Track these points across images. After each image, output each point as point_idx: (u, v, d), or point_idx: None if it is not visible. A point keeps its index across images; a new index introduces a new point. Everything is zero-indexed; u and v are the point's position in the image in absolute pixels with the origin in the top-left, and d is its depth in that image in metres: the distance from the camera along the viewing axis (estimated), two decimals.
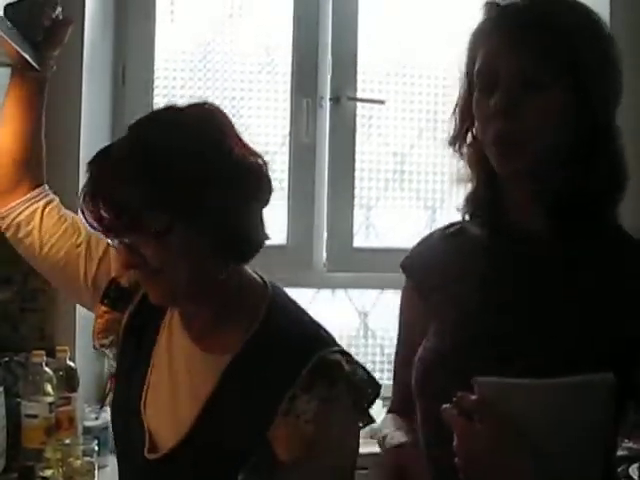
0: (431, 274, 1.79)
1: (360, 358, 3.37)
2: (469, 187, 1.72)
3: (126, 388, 1.80)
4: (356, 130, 3.45)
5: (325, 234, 3.47)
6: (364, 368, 1.71)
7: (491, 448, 1.42)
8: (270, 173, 1.70)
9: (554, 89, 1.57)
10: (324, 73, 3.42)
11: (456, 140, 1.72)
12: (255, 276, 1.78)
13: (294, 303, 1.81)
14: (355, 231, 3.43)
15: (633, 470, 2.66)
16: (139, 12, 3.39)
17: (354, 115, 3.44)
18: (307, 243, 3.48)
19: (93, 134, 3.16)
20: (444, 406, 1.45)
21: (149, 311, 1.78)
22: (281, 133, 3.51)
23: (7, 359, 2.94)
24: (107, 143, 1.66)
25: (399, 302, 1.91)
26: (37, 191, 1.91)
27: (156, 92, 3.44)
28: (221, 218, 1.59)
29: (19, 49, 1.78)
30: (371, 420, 1.72)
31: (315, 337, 1.71)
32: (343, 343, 3.43)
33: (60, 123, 3.07)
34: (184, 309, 1.76)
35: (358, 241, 3.42)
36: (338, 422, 1.63)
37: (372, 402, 1.69)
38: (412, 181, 3.43)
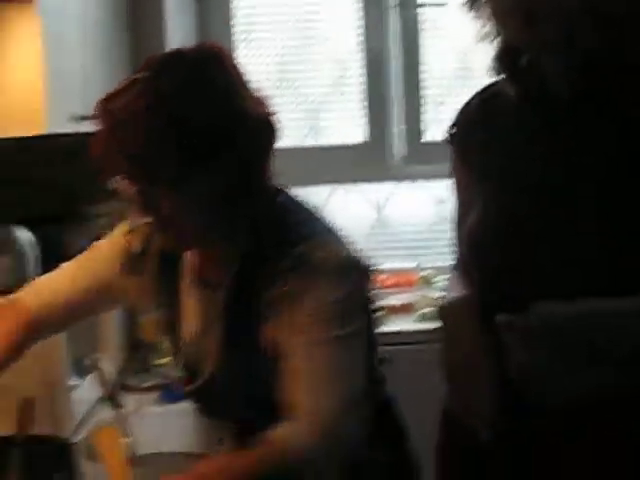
0: (471, 140, 1.73)
1: (437, 242, 3.43)
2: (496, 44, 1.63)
3: (168, 334, 1.80)
4: (422, 32, 3.45)
5: (400, 131, 3.49)
6: (348, 250, 1.60)
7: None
8: (275, 119, 1.57)
9: None
10: None
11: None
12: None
13: (282, 207, 1.65)
14: (426, 126, 3.42)
15: None
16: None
17: (419, 19, 3.44)
18: (383, 140, 3.50)
19: None
20: (499, 317, 1.50)
21: (170, 259, 1.71)
22: (354, 41, 3.51)
23: None
24: None
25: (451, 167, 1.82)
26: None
27: None
28: (232, 169, 1.51)
29: None
30: (358, 293, 1.61)
31: (293, 237, 1.57)
32: (422, 230, 3.54)
33: None
34: (195, 252, 1.68)
35: (429, 135, 3.41)
36: (311, 304, 1.52)
37: (363, 276, 1.62)
38: (478, 77, 3.42)
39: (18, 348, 1.75)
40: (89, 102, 2.47)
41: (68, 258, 1.88)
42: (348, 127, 3.58)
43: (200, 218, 1.55)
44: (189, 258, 1.69)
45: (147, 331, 2.90)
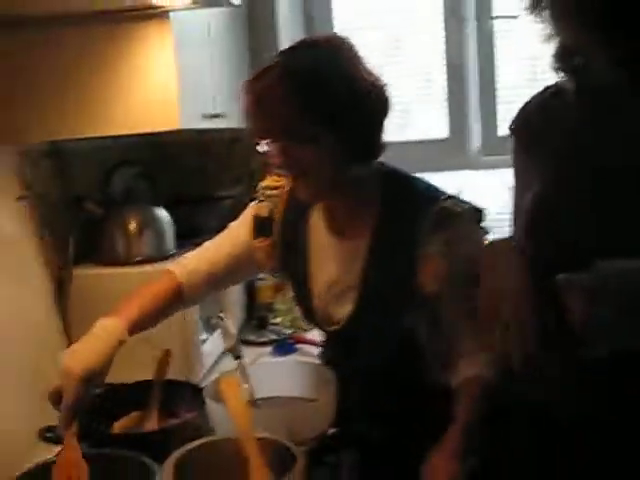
0: (531, 134, 1.60)
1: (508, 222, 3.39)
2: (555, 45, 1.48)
3: (298, 287, 1.82)
4: (496, 40, 3.36)
5: (478, 127, 3.45)
6: (468, 202, 1.66)
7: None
8: (389, 93, 1.64)
9: None
10: None
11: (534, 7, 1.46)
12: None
13: (400, 172, 1.72)
14: (499, 123, 3.39)
15: None
16: None
17: (494, 29, 3.35)
18: (464, 135, 3.46)
19: None
20: (559, 276, 1.30)
21: (293, 224, 1.78)
22: (438, 49, 3.45)
23: None
24: None
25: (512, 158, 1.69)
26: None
27: None
28: (357, 131, 1.58)
29: None
30: (486, 232, 1.66)
31: (425, 196, 1.64)
32: (496, 210, 3.47)
33: None
34: (325, 205, 1.74)
35: (502, 131, 3.35)
36: (464, 248, 1.57)
37: (480, 221, 1.66)
38: (546, 80, 3.34)
39: (165, 312, 1.81)
40: (217, 101, 2.52)
41: (199, 235, 1.90)
42: (433, 124, 3.53)
43: (331, 172, 1.60)
44: (322, 212, 1.75)
45: (264, 294, 2.95)
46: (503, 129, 3.33)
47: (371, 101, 1.59)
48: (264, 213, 1.81)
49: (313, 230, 1.75)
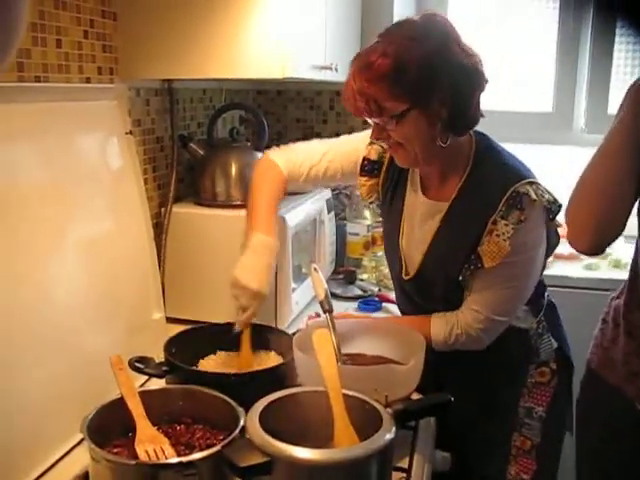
0: None
1: None
2: None
3: (391, 229, 1.91)
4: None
5: (584, 103, 3.34)
6: (549, 192, 1.71)
7: None
8: (484, 69, 1.66)
9: None
10: None
11: None
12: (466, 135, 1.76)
13: (495, 148, 1.78)
14: (610, 100, 3.26)
15: None
16: None
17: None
18: (569, 110, 3.37)
19: None
20: None
21: (397, 173, 1.88)
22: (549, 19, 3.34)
23: (337, 192, 3.07)
24: None
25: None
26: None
27: None
28: (447, 104, 1.61)
29: None
30: (557, 225, 1.78)
31: (510, 174, 1.70)
32: None
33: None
34: (420, 170, 1.82)
35: (612, 108, 3.17)
36: (529, 235, 1.68)
37: (556, 215, 1.71)
38: None
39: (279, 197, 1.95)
40: (328, 53, 2.47)
41: None
42: (538, 97, 3.44)
43: (424, 143, 1.67)
44: (417, 173, 1.84)
45: (353, 249, 2.94)
46: (613, 107, 3.22)
47: (462, 78, 1.61)
48: (373, 156, 1.92)
49: (410, 185, 1.86)
